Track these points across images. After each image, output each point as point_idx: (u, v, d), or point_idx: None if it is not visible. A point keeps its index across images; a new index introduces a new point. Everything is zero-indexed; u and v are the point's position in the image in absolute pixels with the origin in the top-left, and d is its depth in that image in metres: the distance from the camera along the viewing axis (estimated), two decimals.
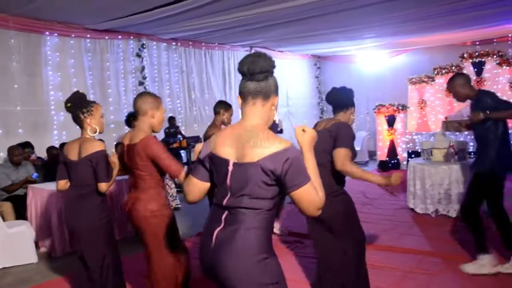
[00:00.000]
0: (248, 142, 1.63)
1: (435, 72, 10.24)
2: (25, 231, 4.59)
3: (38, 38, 6.70)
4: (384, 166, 9.38)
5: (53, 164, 5.87)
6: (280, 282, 1.65)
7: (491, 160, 3.46)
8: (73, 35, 7.11)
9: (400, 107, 9.56)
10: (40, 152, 6.39)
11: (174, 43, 8.82)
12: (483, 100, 3.49)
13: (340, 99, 3.01)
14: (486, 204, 3.70)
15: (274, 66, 1.70)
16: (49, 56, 6.87)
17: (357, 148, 5.33)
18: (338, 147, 2.70)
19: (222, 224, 1.68)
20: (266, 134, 1.64)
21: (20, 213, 5.12)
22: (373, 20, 7.50)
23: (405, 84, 10.69)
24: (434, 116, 10.27)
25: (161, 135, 8.13)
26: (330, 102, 3.04)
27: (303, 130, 1.75)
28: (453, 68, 9.95)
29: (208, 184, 1.83)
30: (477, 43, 10.11)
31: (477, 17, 7.39)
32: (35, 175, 5.51)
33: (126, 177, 3.99)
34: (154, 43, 8.49)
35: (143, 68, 8.16)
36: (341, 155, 2.67)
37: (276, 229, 4.87)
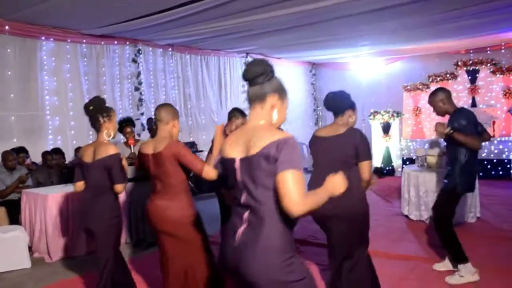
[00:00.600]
0: (251, 139, 1.72)
1: (430, 80, 10.33)
2: (19, 236, 4.57)
3: (34, 43, 6.69)
4: (379, 173, 9.41)
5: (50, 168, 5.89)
6: (306, 277, 1.70)
7: (455, 178, 3.56)
8: (69, 40, 7.10)
9: (395, 114, 9.62)
10: (35, 157, 6.36)
11: (170, 49, 8.84)
12: (457, 118, 3.55)
13: (334, 104, 3.03)
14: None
15: (267, 70, 1.78)
16: (45, 61, 6.85)
17: None
18: (364, 160, 2.84)
19: (245, 224, 1.73)
20: (269, 130, 1.74)
21: (14, 218, 5.09)
22: (368, 28, 7.56)
23: (400, 91, 10.76)
24: (429, 123, 10.34)
25: None
26: (328, 108, 3.08)
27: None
28: (448, 75, 10.05)
29: None
30: (471, 51, 10.20)
31: (471, 26, 7.46)
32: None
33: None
34: (150, 48, 8.49)
35: (139, 74, 8.15)
36: (369, 167, 2.86)
37: None
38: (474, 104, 9.64)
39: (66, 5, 5.56)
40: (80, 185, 3.13)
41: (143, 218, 4.39)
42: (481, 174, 7.83)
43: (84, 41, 7.32)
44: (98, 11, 5.85)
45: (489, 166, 8.81)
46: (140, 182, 5.00)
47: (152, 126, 8.03)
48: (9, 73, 6.40)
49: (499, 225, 5.33)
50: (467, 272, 3.58)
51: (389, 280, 3.68)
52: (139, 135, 7.23)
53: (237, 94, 10.28)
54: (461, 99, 9.66)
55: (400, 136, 9.91)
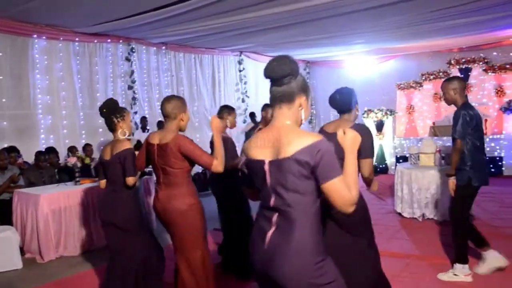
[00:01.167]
0: (281, 141, 1.68)
1: (423, 78, 10.38)
2: (11, 236, 4.53)
3: (25, 41, 6.63)
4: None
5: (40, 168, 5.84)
6: (337, 280, 1.69)
7: (467, 172, 3.60)
8: (61, 38, 7.05)
9: (388, 112, 9.65)
10: (28, 156, 6.31)
11: (163, 48, 8.80)
12: (459, 117, 3.55)
13: (342, 104, 2.99)
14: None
15: (295, 69, 1.71)
16: (36, 59, 6.80)
17: None
18: (366, 157, 2.74)
19: (274, 227, 1.71)
20: (297, 131, 1.70)
21: (6, 218, 5.04)
22: (362, 26, 7.58)
23: (394, 89, 10.81)
24: (422, 121, 10.39)
25: None
26: (334, 107, 3.04)
27: (344, 133, 1.79)
28: (441, 74, 10.10)
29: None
30: (464, 49, 10.26)
31: (463, 24, 7.50)
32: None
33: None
34: (144, 47, 8.46)
35: (132, 72, 8.11)
36: (370, 165, 2.76)
37: None
38: None
39: (58, 3, 5.52)
40: (103, 183, 3.31)
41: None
42: None
43: (77, 39, 7.26)
44: (91, 9, 5.81)
45: None
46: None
47: (146, 125, 8.01)
48: (0, 71, 6.33)
49: (491, 222, 5.36)
50: (462, 273, 3.59)
51: None
52: (132, 134, 7.19)
53: (231, 92, 10.28)
54: None
55: (394, 134, 9.94)
